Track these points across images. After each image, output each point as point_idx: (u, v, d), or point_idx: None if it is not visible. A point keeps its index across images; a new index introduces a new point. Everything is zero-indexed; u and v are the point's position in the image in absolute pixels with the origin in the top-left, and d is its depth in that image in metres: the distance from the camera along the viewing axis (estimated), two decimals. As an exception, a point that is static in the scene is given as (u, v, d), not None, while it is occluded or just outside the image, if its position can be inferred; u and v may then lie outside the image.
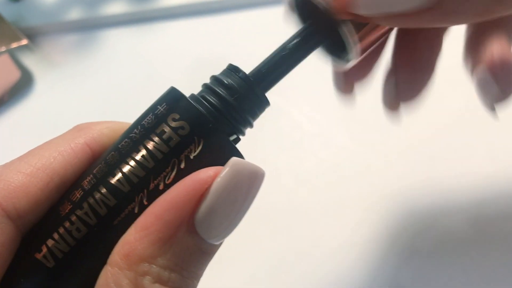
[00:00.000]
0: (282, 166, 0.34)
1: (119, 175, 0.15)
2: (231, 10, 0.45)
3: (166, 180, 0.15)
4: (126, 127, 0.16)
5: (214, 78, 0.17)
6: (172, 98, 0.16)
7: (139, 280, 0.14)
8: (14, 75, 0.40)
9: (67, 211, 0.15)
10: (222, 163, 0.14)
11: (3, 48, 0.37)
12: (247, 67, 0.17)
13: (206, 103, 0.16)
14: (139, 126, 0.15)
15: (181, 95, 0.16)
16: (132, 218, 0.14)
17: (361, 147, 0.35)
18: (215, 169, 0.14)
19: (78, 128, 0.17)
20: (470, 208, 0.32)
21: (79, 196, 0.15)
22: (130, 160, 0.15)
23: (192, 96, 0.16)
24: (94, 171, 0.15)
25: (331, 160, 0.34)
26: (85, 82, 0.41)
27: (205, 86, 0.17)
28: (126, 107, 0.39)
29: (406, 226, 0.31)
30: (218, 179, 0.14)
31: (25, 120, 0.38)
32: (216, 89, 0.16)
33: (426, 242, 0.31)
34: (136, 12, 0.46)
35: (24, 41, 0.38)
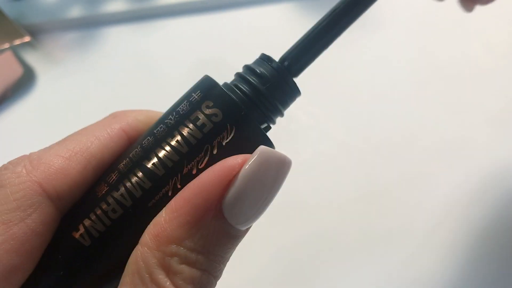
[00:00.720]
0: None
1: (155, 159, 0.15)
2: (231, 8, 0.46)
3: (199, 165, 0.15)
4: (160, 115, 0.17)
5: (247, 67, 0.17)
6: (206, 86, 0.16)
7: (166, 260, 0.14)
8: (16, 71, 0.40)
9: (103, 192, 0.16)
10: (253, 150, 0.15)
11: (6, 45, 0.38)
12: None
13: (238, 92, 0.16)
14: (174, 113, 0.16)
15: (215, 83, 0.16)
16: (165, 200, 0.15)
17: (356, 140, 0.35)
18: (243, 156, 0.15)
19: (114, 115, 0.18)
20: (471, 204, 0.32)
21: (115, 178, 0.16)
22: (165, 145, 0.15)
23: (225, 84, 0.17)
24: (130, 155, 0.16)
25: (326, 152, 0.35)
26: (86, 79, 0.42)
27: (238, 75, 0.17)
28: (127, 103, 0.39)
29: (399, 216, 0.32)
30: (246, 166, 0.14)
31: (27, 115, 0.39)
32: (249, 77, 0.16)
33: (420, 233, 0.31)
34: (136, 10, 0.46)
35: (27, 38, 0.39)
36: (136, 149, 0.16)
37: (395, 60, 0.41)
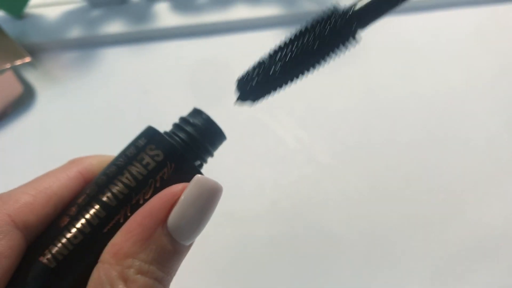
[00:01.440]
0: (266, 178, 0.36)
1: (108, 193, 0.19)
2: (226, 33, 0.48)
3: (145, 196, 0.19)
4: (111, 159, 0.20)
5: (183, 119, 0.21)
6: (150, 133, 0.20)
7: (125, 271, 0.17)
8: (16, 89, 0.42)
9: (65, 223, 0.19)
10: (189, 181, 0.19)
11: (8, 65, 0.39)
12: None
13: (176, 137, 0.21)
14: (123, 155, 0.20)
15: (157, 131, 0.20)
16: (118, 226, 0.18)
17: (340, 165, 0.37)
18: (183, 184, 0.19)
19: (72, 161, 0.22)
20: (448, 227, 0.34)
21: (75, 211, 0.19)
22: (116, 182, 0.19)
23: (165, 132, 0.21)
24: (87, 191, 0.19)
25: (312, 176, 0.36)
26: (84, 97, 0.44)
27: (175, 125, 0.21)
28: (122, 121, 0.41)
29: (381, 242, 0.34)
30: (185, 191, 0.18)
31: (27, 132, 0.41)
32: (184, 126, 0.21)
33: (404, 257, 0.33)
34: (134, 32, 0.48)
35: (28, 59, 0.41)
36: (92, 187, 0.20)
37: (379, 87, 0.43)
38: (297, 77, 0.18)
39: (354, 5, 0.17)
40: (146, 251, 0.18)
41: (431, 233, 0.34)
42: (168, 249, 0.18)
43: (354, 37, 0.17)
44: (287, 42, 0.18)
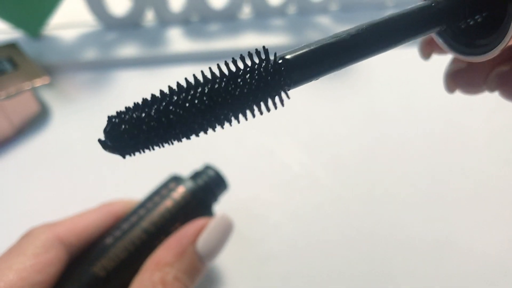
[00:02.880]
0: (273, 201, 0.38)
1: (148, 222, 0.27)
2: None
3: (175, 224, 0.27)
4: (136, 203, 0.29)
5: (197, 172, 0.30)
6: (178, 178, 0.29)
7: (164, 277, 0.23)
8: (33, 108, 0.44)
9: (112, 242, 0.26)
10: (204, 216, 0.28)
11: (28, 86, 0.41)
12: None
13: (197, 182, 0.29)
14: (157, 194, 0.28)
15: (183, 178, 0.29)
16: (154, 247, 0.25)
17: (344, 189, 0.39)
18: (206, 218, 0.27)
19: (104, 204, 0.29)
20: (454, 251, 0.36)
21: (120, 234, 0.26)
22: (154, 213, 0.27)
23: (190, 178, 0.30)
24: (131, 219, 0.27)
25: (316, 200, 0.38)
26: (97, 118, 0.45)
27: (195, 173, 0.30)
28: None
29: (385, 264, 0.35)
30: (213, 222, 0.27)
31: (42, 150, 0.42)
32: (202, 175, 0.30)
33: (410, 279, 0.34)
34: (146, 57, 0.50)
35: (47, 80, 0.42)
36: (134, 216, 0.26)
37: (382, 113, 0.45)
38: (190, 132, 0.13)
39: (289, 53, 0.13)
40: (181, 262, 0.24)
41: (428, 261, 0.35)
42: (195, 263, 0.25)
43: (282, 91, 0.13)
44: (189, 83, 0.14)
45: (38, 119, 0.45)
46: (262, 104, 0.13)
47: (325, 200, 0.38)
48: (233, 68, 0.13)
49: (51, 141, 0.43)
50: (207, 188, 0.29)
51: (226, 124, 0.14)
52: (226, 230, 0.27)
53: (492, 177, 0.40)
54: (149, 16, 0.54)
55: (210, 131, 0.13)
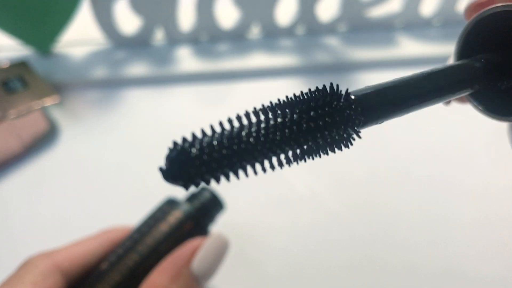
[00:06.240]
0: (279, 223, 0.38)
1: (142, 244, 0.27)
2: (243, 79, 0.50)
3: (169, 246, 0.27)
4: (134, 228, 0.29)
5: (193, 194, 0.30)
6: (172, 202, 0.29)
7: None
8: (42, 126, 0.44)
9: (107, 267, 0.26)
10: (200, 235, 0.28)
11: (38, 105, 0.41)
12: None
13: (192, 204, 0.29)
14: (152, 217, 0.28)
15: (177, 201, 0.29)
16: (149, 269, 0.26)
17: (349, 211, 0.39)
18: (201, 238, 0.27)
19: (103, 231, 0.29)
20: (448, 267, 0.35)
21: (115, 258, 0.26)
22: (148, 236, 0.27)
23: (185, 201, 0.30)
24: (126, 244, 0.27)
25: (322, 222, 0.38)
26: (106, 136, 0.46)
27: (191, 195, 0.30)
28: (142, 159, 0.43)
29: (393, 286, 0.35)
30: (208, 242, 0.27)
31: (50, 168, 0.42)
32: (197, 197, 0.30)
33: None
34: (155, 76, 0.51)
35: (57, 99, 0.43)
36: (129, 241, 0.27)
37: (388, 137, 0.45)
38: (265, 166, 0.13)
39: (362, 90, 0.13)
40: (176, 285, 0.24)
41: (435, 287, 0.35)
42: (191, 285, 0.25)
43: (356, 128, 0.13)
44: (268, 115, 0.13)
45: (47, 137, 0.45)
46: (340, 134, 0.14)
47: (329, 223, 0.38)
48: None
49: (59, 159, 0.43)
50: (203, 210, 0.29)
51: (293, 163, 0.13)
52: (221, 249, 0.27)
53: (497, 203, 0.40)
54: (159, 35, 0.54)
55: (277, 165, 0.13)
